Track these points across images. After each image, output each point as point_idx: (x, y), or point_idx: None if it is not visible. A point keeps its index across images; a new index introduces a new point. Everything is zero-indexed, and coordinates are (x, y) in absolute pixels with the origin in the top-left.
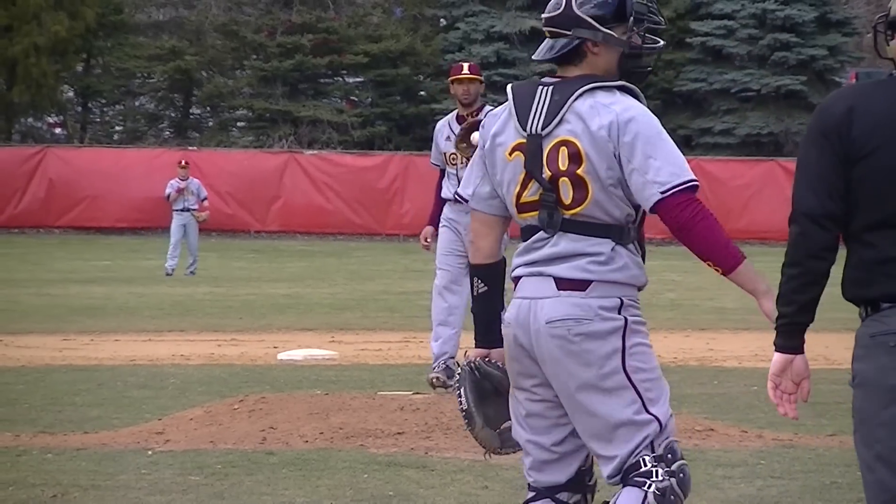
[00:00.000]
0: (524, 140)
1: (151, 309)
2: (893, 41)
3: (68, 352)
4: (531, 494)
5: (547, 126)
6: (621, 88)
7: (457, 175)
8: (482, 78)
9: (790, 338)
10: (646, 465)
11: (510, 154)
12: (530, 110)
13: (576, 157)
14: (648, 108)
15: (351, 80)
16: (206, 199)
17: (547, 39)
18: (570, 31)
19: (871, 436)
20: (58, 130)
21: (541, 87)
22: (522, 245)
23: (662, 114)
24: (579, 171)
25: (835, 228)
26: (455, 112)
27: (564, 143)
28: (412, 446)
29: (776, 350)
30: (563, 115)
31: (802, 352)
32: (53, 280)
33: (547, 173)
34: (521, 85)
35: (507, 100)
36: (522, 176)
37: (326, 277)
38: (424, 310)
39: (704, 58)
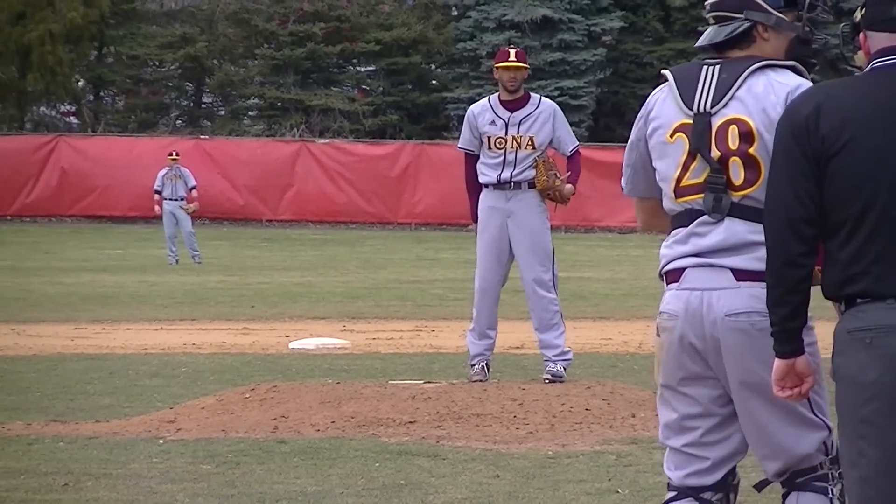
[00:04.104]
0: (689, 120)
1: (163, 298)
2: (860, 52)
3: (80, 340)
4: (672, 494)
5: (716, 104)
6: (793, 69)
7: (503, 159)
8: (528, 65)
9: (785, 343)
10: (823, 469)
11: (671, 136)
12: (696, 89)
13: (747, 136)
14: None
15: (363, 68)
16: (194, 188)
17: (711, 27)
18: (740, 13)
19: (853, 432)
20: (70, 118)
21: (706, 67)
22: (681, 232)
23: None
24: (751, 151)
25: (810, 232)
26: (496, 95)
27: (735, 121)
28: (424, 435)
29: (776, 356)
30: (734, 92)
31: (802, 353)
32: (65, 269)
33: (716, 153)
34: (683, 67)
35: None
36: (684, 158)
37: (338, 266)
38: (437, 298)
39: None
